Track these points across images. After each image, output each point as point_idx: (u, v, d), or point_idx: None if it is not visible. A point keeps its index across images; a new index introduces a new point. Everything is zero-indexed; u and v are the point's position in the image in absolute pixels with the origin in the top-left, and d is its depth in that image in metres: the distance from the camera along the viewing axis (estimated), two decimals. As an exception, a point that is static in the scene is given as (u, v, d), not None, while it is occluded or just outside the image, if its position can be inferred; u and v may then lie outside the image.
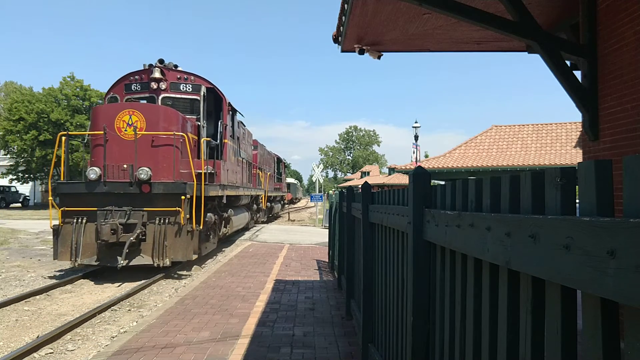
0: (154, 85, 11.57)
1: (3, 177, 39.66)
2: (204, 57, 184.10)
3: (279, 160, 32.35)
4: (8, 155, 39.53)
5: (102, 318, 6.76)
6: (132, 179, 9.59)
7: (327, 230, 13.04)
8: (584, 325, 0.99)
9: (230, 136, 13.55)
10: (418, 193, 2.29)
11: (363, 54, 7.26)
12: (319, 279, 9.35)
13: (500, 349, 1.43)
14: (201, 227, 10.22)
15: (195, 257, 10.20)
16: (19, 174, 38.69)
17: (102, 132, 9.74)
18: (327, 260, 11.46)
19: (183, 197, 9.60)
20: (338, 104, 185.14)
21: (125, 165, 9.77)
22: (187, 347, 5.00)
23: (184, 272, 10.42)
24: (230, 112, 13.44)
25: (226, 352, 4.82)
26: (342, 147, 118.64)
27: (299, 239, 17.16)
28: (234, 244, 15.41)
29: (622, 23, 4.58)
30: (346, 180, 75.69)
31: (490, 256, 1.42)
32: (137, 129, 9.86)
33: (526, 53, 6.72)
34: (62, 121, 36.57)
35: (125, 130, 9.94)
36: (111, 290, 8.68)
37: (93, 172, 9.67)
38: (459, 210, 1.79)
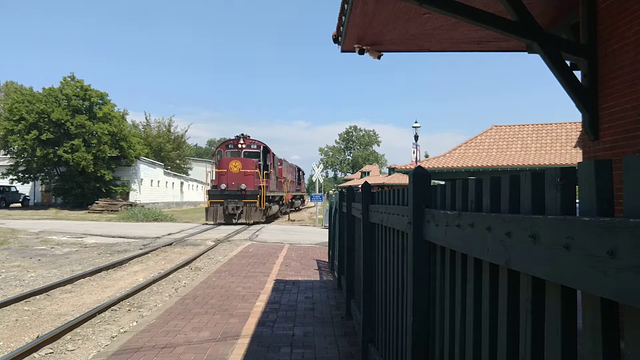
0: (239, 146, 27.52)
1: (3, 177, 39.56)
2: (203, 56, 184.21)
3: (299, 169, 47.60)
4: (8, 155, 39.44)
5: (102, 318, 6.76)
6: (238, 188, 24.96)
7: (327, 230, 13.05)
8: (584, 325, 0.99)
9: (272, 167, 29.01)
10: (418, 193, 2.29)
11: (363, 54, 7.26)
12: (319, 279, 9.35)
13: (500, 348, 1.43)
14: (264, 208, 25.61)
15: (261, 220, 25.60)
16: (19, 174, 38.63)
17: (225, 170, 25.50)
18: (327, 260, 11.46)
19: (258, 196, 25.08)
20: (338, 103, 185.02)
21: (233, 183, 25.09)
22: (187, 347, 5.00)
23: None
24: (273, 156, 29.59)
25: (226, 352, 4.82)
26: (342, 147, 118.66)
27: (298, 239, 17.16)
28: (234, 244, 15.42)
29: (622, 23, 4.58)
30: (346, 180, 75.61)
31: (490, 256, 1.42)
32: (239, 168, 25.48)
33: (526, 53, 6.71)
34: (62, 121, 36.50)
35: (233, 169, 25.45)
36: (112, 290, 8.68)
37: (223, 185, 25.06)
38: (459, 210, 1.79)
